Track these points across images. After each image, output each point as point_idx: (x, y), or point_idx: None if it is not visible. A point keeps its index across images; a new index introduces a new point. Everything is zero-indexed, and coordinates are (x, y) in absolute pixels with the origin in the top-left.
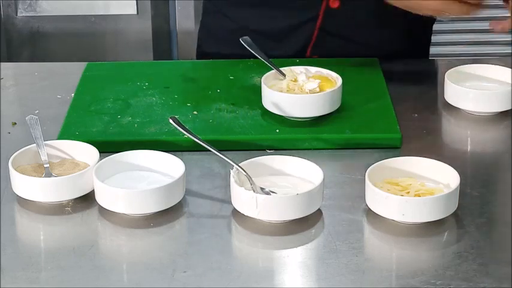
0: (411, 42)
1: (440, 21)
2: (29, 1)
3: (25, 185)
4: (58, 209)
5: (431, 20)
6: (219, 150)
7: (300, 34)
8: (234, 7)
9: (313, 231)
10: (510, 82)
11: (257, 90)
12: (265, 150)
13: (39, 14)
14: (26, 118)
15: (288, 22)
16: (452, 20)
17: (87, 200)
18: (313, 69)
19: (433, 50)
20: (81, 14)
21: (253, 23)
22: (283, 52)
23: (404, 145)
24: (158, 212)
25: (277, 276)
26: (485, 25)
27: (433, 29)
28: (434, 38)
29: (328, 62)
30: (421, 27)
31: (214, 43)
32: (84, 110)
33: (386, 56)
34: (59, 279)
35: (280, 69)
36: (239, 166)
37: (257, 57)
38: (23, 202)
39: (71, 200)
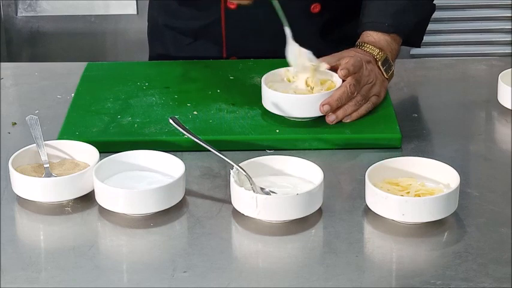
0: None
1: (440, 22)
2: (29, 1)
3: (25, 185)
4: (58, 209)
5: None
6: (219, 150)
7: (209, 34)
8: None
9: (313, 231)
10: None
11: (257, 90)
12: (265, 150)
13: (39, 14)
14: (26, 118)
15: (196, 23)
16: (452, 20)
17: (87, 200)
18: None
19: (433, 50)
20: (81, 14)
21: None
22: (199, 52)
23: (404, 145)
24: (158, 212)
25: (277, 276)
26: (485, 25)
27: (433, 29)
28: (434, 38)
29: None
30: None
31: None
32: (84, 110)
33: None
34: (59, 279)
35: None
36: (239, 166)
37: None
38: (23, 202)
39: (71, 200)
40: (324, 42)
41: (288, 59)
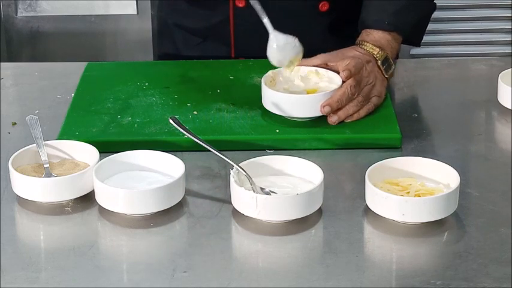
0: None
1: (440, 22)
2: (29, 1)
3: (25, 185)
4: (58, 209)
5: None
6: (219, 150)
7: (217, 34)
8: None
9: (313, 231)
10: None
11: (257, 90)
12: (265, 150)
13: (39, 14)
14: (26, 118)
15: (205, 23)
16: (452, 20)
17: (87, 200)
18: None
19: (433, 50)
20: (81, 14)
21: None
22: (208, 52)
23: (404, 145)
24: (158, 212)
25: (277, 276)
26: (485, 25)
27: (433, 29)
28: (434, 38)
29: None
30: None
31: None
32: (84, 110)
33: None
34: (59, 279)
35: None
36: (239, 166)
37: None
38: (23, 202)
39: (71, 200)
40: (332, 40)
41: (269, 55)
